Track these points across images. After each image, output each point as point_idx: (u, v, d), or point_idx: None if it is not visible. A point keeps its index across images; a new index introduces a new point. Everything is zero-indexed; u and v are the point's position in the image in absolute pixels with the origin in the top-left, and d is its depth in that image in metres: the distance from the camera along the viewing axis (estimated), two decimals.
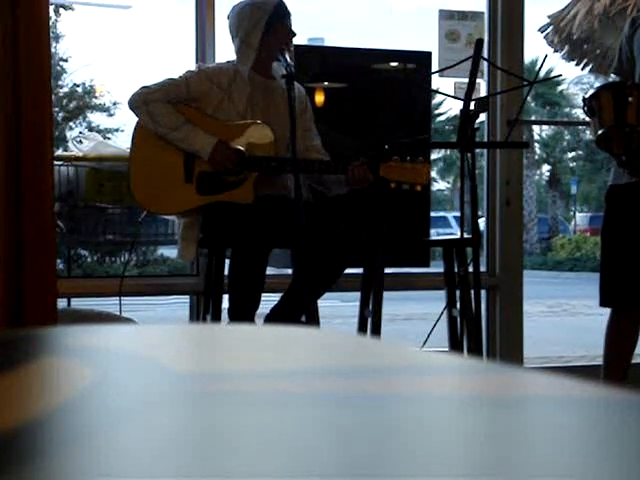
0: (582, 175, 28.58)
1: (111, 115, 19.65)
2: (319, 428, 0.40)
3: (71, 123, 19.38)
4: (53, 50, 17.98)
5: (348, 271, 3.38)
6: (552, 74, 15.68)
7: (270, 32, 3.40)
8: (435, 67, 4.21)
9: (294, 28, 3.46)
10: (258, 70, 3.43)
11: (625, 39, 3.31)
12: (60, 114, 18.58)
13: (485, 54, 4.01)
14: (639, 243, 3.26)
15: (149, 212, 3.53)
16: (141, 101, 3.32)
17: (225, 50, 3.57)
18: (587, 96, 3.21)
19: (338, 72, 4.18)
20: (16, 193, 0.95)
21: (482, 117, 4.00)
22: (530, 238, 23.03)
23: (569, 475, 0.34)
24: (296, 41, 3.57)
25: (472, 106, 3.33)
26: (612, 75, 3.44)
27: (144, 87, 3.35)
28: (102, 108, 19.87)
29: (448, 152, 25.84)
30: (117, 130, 17.62)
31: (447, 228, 17.73)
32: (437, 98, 23.22)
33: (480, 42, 3.41)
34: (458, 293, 3.55)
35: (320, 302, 3.36)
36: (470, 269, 3.41)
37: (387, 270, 3.59)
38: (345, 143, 3.91)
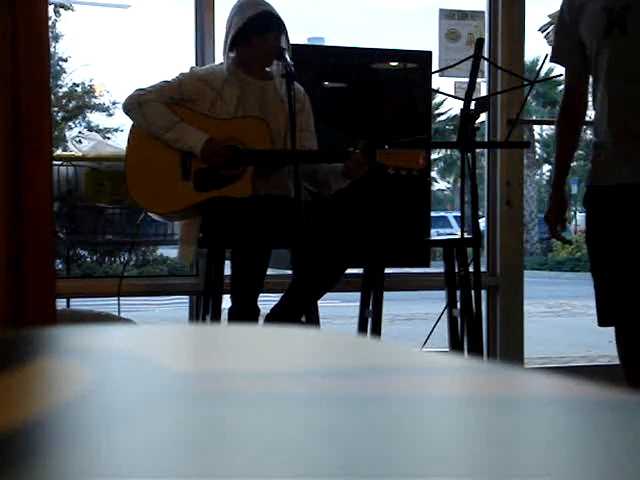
0: (582, 175, 28.53)
1: (110, 115, 19.67)
2: (319, 428, 0.40)
3: (70, 123, 19.40)
4: (52, 50, 17.99)
5: (348, 271, 3.38)
6: (553, 73, 15.69)
7: (248, 42, 3.39)
8: (435, 66, 4.21)
9: (293, 29, 3.45)
10: (249, 71, 3.44)
11: None
12: (59, 114, 18.59)
13: (485, 53, 4.01)
14: (630, 251, 2.88)
15: (147, 213, 3.53)
16: (135, 103, 3.34)
17: None
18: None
19: (338, 72, 4.18)
20: (15, 193, 0.95)
21: (482, 117, 4.00)
22: (531, 238, 23.04)
23: (569, 476, 0.34)
24: (296, 41, 3.57)
25: (472, 106, 3.33)
26: None
27: (138, 89, 3.37)
28: (101, 108, 19.88)
29: (448, 152, 25.87)
30: (116, 130, 17.63)
31: (447, 228, 17.74)
32: (437, 98, 23.25)
33: (480, 41, 3.41)
34: (458, 293, 3.54)
35: (320, 302, 3.36)
36: (470, 269, 3.41)
37: (387, 270, 3.60)
38: (344, 142, 3.92)
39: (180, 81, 3.38)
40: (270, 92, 3.44)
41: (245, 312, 3.18)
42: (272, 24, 3.37)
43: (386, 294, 3.54)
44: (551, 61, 3.12)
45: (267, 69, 3.48)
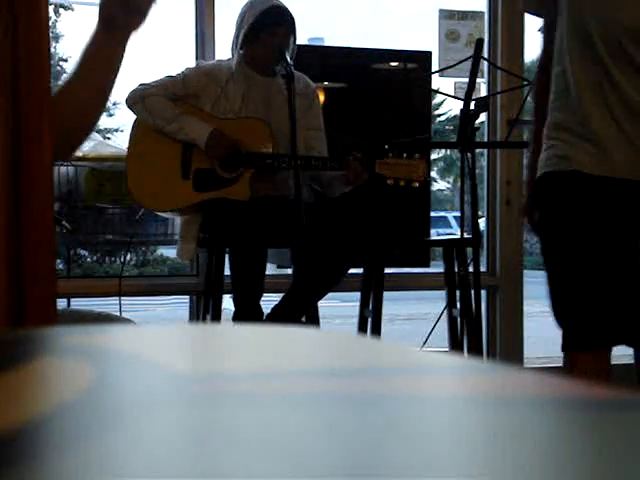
0: None
1: (111, 115, 19.63)
2: (319, 428, 0.40)
3: None
4: (53, 50, 17.98)
5: (348, 271, 3.38)
6: None
7: (256, 39, 3.40)
8: (435, 67, 4.22)
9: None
10: (256, 68, 3.44)
11: None
12: None
13: (485, 54, 4.02)
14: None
15: (146, 209, 3.54)
16: (138, 97, 3.35)
17: (225, 48, 3.58)
18: None
19: (338, 72, 4.18)
20: (16, 193, 0.95)
21: (482, 117, 4.00)
22: (530, 238, 23.01)
23: (568, 476, 0.34)
24: (296, 41, 3.56)
25: (472, 106, 3.33)
26: None
27: (141, 84, 3.39)
28: None
29: (448, 152, 25.84)
30: (117, 130, 17.62)
31: (447, 228, 17.72)
32: (437, 98, 23.22)
33: (480, 42, 3.41)
34: (458, 293, 3.55)
35: (320, 302, 3.36)
36: (470, 269, 3.41)
37: (387, 270, 3.60)
38: (345, 143, 3.92)
39: (185, 76, 3.38)
40: (275, 90, 3.44)
41: (248, 315, 3.18)
42: (281, 20, 3.39)
43: (386, 294, 3.54)
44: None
45: (275, 68, 3.48)
